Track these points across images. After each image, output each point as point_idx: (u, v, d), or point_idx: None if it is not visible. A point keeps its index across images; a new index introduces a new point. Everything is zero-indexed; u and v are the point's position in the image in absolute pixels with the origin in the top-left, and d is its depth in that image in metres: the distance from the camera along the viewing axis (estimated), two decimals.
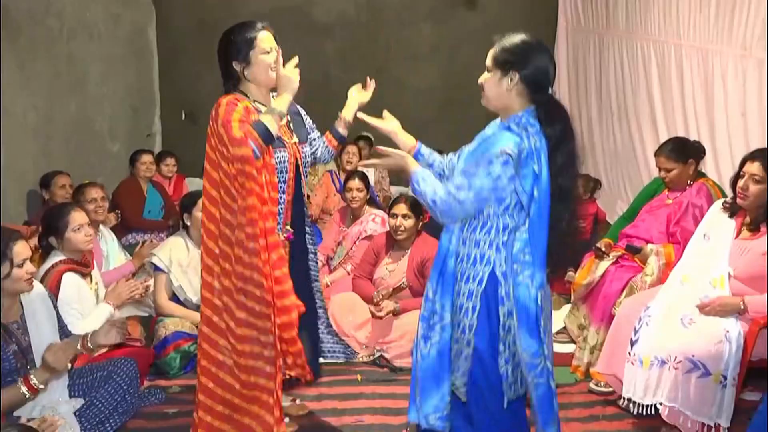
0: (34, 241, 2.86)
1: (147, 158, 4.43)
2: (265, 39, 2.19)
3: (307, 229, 2.43)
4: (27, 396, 2.05)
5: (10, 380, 2.07)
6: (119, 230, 3.82)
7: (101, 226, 3.37)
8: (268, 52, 2.18)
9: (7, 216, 3.30)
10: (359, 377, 2.95)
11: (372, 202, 4.05)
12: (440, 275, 1.92)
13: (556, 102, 1.89)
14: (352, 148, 4.78)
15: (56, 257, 2.63)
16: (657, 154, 3.12)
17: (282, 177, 2.22)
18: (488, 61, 1.90)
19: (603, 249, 3.07)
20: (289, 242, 2.28)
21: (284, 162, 2.21)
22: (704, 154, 3.17)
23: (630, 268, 2.98)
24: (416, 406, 1.93)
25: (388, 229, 3.32)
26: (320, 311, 2.55)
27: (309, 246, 2.45)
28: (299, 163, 2.29)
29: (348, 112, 2.37)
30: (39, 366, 2.10)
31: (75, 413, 2.23)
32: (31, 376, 2.06)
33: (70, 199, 3.37)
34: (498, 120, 1.96)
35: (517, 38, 1.87)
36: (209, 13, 5.59)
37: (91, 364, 2.42)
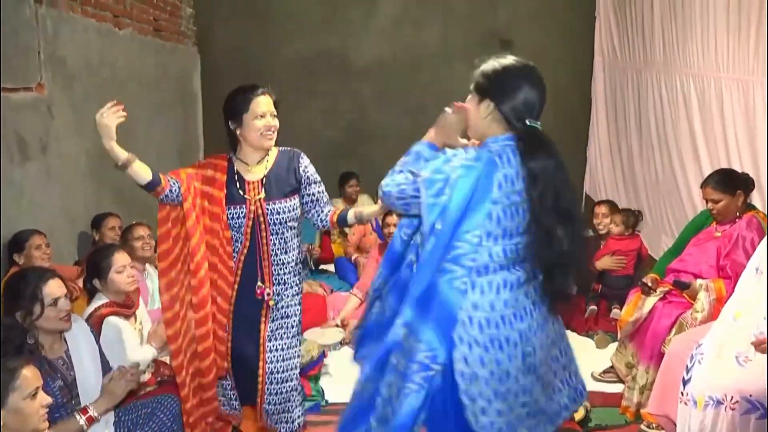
0: (81, 282, 2.93)
1: None
2: (260, 102, 2.28)
3: (273, 288, 2.40)
4: (84, 428, 2.07)
5: (57, 415, 2.09)
6: None
7: (147, 265, 3.44)
8: (261, 117, 2.27)
9: (60, 256, 3.39)
10: None
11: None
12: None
13: (538, 133, 1.71)
14: None
15: (100, 300, 2.65)
16: (704, 185, 3.03)
17: (236, 230, 2.33)
18: (471, 85, 1.79)
19: (650, 284, 2.97)
20: (236, 295, 2.38)
21: (239, 217, 2.31)
22: (753, 185, 3.07)
23: (679, 305, 2.88)
24: None
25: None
26: (273, 384, 2.48)
27: (281, 305, 2.43)
28: (262, 219, 2.33)
29: (367, 213, 2.41)
30: (99, 397, 2.13)
31: None
32: (90, 408, 2.08)
33: (119, 239, 3.46)
34: None
35: (497, 62, 1.73)
36: (251, 60, 5.78)
37: (136, 401, 2.43)
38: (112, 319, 2.59)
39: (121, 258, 2.68)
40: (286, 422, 2.52)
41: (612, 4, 5.36)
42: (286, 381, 2.48)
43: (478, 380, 1.68)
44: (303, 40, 5.96)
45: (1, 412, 1.73)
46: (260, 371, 2.43)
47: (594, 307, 3.96)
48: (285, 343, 2.46)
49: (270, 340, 2.43)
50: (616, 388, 3.14)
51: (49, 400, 1.85)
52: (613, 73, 5.45)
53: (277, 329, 2.44)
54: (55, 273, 2.22)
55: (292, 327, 2.47)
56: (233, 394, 2.52)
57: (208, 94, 6.00)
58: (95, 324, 2.54)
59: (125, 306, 2.70)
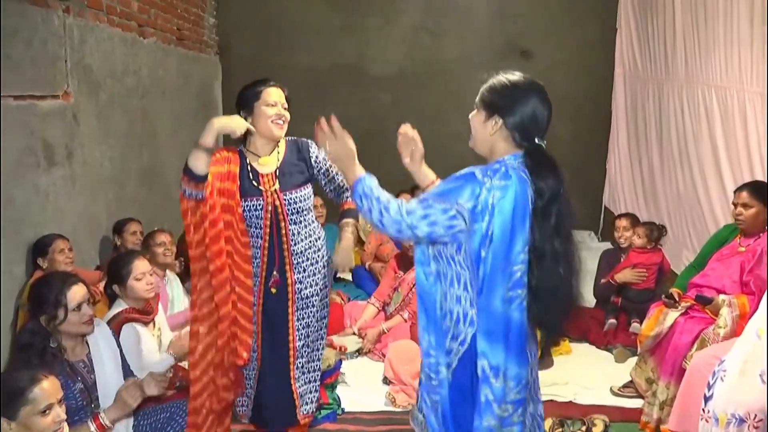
0: (102, 286, 2.97)
1: None
2: (271, 93, 2.35)
3: (294, 276, 2.42)
4: None
5: (77, 419, 2.12)
6: (182, 276, 3.93)
7: (167, 271, 3.48)
8: (272, 105, 2.32)
9: (82, 261, 3.44)
10: None
11: None
12: (434, 327, 1.72)
13: (544, 153, 1.67)
14: (406, 197, 4.81)
15: (119, 306, 2.68)
16: (738, 190, 3.00)
17: (254, 223, 2.34)
18: (477, 99, 1.74)
19: (674, 297, 2.95)
20: (264, 288, 2.39)
21: (257, 209, 2.33)
22: None
23: (701, 320, 2.84)
24: None
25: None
26: (309, 363, 2.53)
27: (305, 293, 2.45)
28: (280, 209, 2.35)
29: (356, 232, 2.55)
30: (112, 404, 2.15)
31: None
32: (102, 415, 2.11)
33: (140, 244, 3.50)
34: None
35: (506, 78, 1.69)
36: (270, 69, 5.80)
37: (155, 405, 2.45)
38: (130, 325, 2.62)
39: (141, 265, 2.71)
40: (306, 404, 2.55)
41: (633, 16, 5.35)
42: (312, 361, 2.52)
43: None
44: (321, 50, 6.02)
45: (1, 423, 1.74)
46: (290, 351, 2.45)
47: (613, 320, 3.92)
48: (310, 323, 2.48)
49: (297, 320, 2.45)
50: (635, 403, 3.10)
51: (63, 416, 1.84)
52: (633, 85, 5.42)
53: (302, 311, 2.46)
54: (79, 278, 2.26)
55: (318, 311, 2.50)
56: (251, 392, 2.53)
57: (228, 103, 6.07)
58: (114, 330, 2.57)
59: (144, 312, 2.73)
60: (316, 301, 2.49)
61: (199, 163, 2.16)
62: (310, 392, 2.56)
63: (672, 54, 4.60)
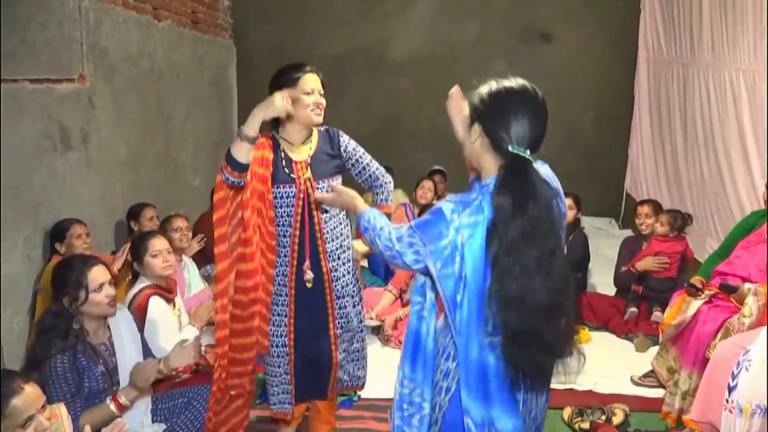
0: (118, 266, 3.02)
1: None
2: (308, 80, 2.29)
3: (329, 264, 2.41)
4: (116, 414, 2.14)
5: (98, 400, 2.16)
6: (199, 260, 3.97)
7: (184, 256, 3.51)
8: (309, 93, 2.27)
9: (98, 245, 3.49)
10: None
11: None
12: (418, 351, 1.60)
13: (519, 164, 1.46)
14: (427, 183, 4.79)
15: (143, 283, 2.75)
16: None
17: (285, 211, 2.32)
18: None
19: (698, 286, 2.91)
20: (295, 277, 2.38)
21: (289, 197, 2.32)
22: None
23: (725, 309, 2.81)
24: None
25: None
26: (353, 344, 2.55)
27: (342, 281, 2.45)
28: (312, 198, 2.33)
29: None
30: (127, 385, 2.19)
31: None
32: (120, 395, 2.15)
33: (157, 229, 3.54)
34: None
35: (495, 83, 1.52)
36: (286, 53, 5.82)
37: (173, 390, 2.49)
38: (155, 298, 2.68)
39: (158, 243, 2.77)
40: (354, 380, 2.58)
41: None
42: (354, 342, 2.54)
43: None
44: (338, 34, 6.00)
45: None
46: (331, 332, 2.45)
47: (634, 309, 3.89)
48: (349, 313, 2.49)
49: (338, 309, 2.46)
50: (657, 392, 3.08)
51: (46, 424, 1.75)
52: (657, 68, 5.34)
53: (341, 299, 2.46)
54: (99, 260, 2.29)
55: (354, 297, 2.52)
56: (288, 388, 2.50)
57: (243, 86, 6.09)
58: (140, 304, 2.63)
59: (166, 290, 2.79)
60: (351, 289, 2.50)
61: (242, 152, 2.15)
62: (358, 369, 2.59)
63: (698, 35, 4.51)
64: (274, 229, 2.34)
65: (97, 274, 2.20)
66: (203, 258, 4.20)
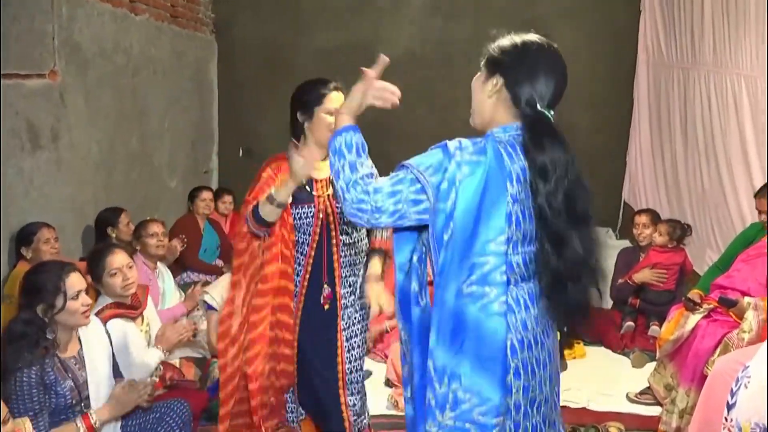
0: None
1: (207, 195, 4.61)
2: (333, 99, 2.28)
3: (342, 291, 2.40)
4: None
5: (64, 417, 2.14)
6: (174, 268, 3.95)
7: (159, 264, 3.49)
8: (331, 113, 2.25)
9: (67, 251, 3.46)
10: None
11: None
12: (407, 322, 1.63)
13: (547, 121, 1.51)
14: None
15: (105, 301, 2.67)
16: (758, 195, 3.01)
17: (303, 231, 2.32)
18: (482, 59, 1.62)
19: (696, 300, 2.95)
20: (305, 300, 2.37)
21: (308, 217, 2.31)
22: None
23: (724, 323, 2.85)
24: None
25: None
26: (353, 374, 2.50)
27: (350, 309, 2.44)
28: (332, 218, 2.33)
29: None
30: (105, 403, 2.17)
31: None
32: (92, 414, 2.12)
33: (132, 235, 3.50)
34: None
35: (517, 36, 1.55)
36: (271, 51, 5.83)
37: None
38: (114, 322, 2.59)
39: (116, 259, 2.66)
40: (359, 416, 2.54)
41: None
42: (359, 371, 2.53)
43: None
44: (327, 30, 5.99)
45: None
46: (339, 367, 2.43)
47: (631, 323, 3.93)
48: (358, 341, 2.49)
49: (347, 339, 2.44)
50: (653, 410, 3.11)
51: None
52: (657, 72, 5.40)
53: (350, 328, 2.45)
54: (75, 266, 2.27)
55: (362, 321, 2.50)
56: (294, 407, 2.51)
57: (224, 83, 6.07)
58: None
59: (131, 307, 2.73)
60: (360, 316, 2.48)
61: (272, 215, 2.18)
62: (363, 404, 2.55)
63: (699, 39, 4.57)
64: (293, 252, 2.33)
65: (75, 281, 2.18)
66: (179, 266, 4.18)
